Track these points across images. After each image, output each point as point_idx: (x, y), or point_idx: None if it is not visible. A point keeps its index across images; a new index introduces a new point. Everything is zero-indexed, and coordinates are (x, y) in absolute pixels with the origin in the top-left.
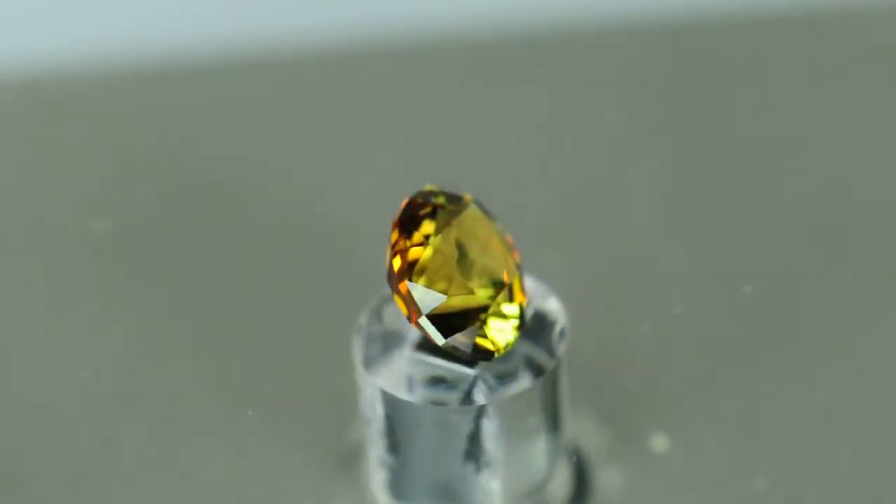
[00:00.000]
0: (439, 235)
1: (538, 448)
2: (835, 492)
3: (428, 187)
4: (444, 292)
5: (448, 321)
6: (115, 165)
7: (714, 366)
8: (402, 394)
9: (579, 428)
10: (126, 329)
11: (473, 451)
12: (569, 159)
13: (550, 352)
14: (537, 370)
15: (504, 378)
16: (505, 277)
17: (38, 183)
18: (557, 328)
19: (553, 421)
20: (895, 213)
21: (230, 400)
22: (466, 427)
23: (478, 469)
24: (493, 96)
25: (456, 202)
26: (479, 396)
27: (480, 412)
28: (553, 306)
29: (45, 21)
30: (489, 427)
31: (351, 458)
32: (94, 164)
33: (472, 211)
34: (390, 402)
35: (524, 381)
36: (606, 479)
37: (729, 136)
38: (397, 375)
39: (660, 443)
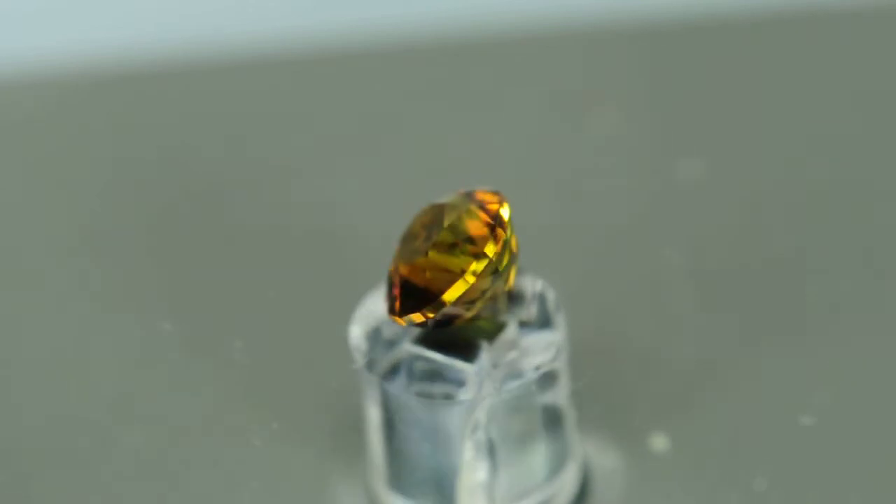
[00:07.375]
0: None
1: (538, 446)
2: (835, 492)
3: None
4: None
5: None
6: (115, 165)
7: (714, 366)
8: (399, 389)
9: (580, 428)
10: (125, 330)
11: (471, 447)
12: (569, 159)
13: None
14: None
15: (502, 373)
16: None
17: (38, 183)
18: (559, 327)
19: (553, 418)
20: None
21: (230, 400)
22: (462, 422)
23: (476, 466)
24: (493, 96)
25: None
26: (474, 391)
27: (477, 407)
28: (553, 303)
29: (45, 21)
30: (485, 423)
31: (351, 455)
32: (94, 164)
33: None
34: (388, 398)
35: (523, 376)
36: (606, 479)
37: (729, 135)
38: (395, 371)
39: (660, 443)
